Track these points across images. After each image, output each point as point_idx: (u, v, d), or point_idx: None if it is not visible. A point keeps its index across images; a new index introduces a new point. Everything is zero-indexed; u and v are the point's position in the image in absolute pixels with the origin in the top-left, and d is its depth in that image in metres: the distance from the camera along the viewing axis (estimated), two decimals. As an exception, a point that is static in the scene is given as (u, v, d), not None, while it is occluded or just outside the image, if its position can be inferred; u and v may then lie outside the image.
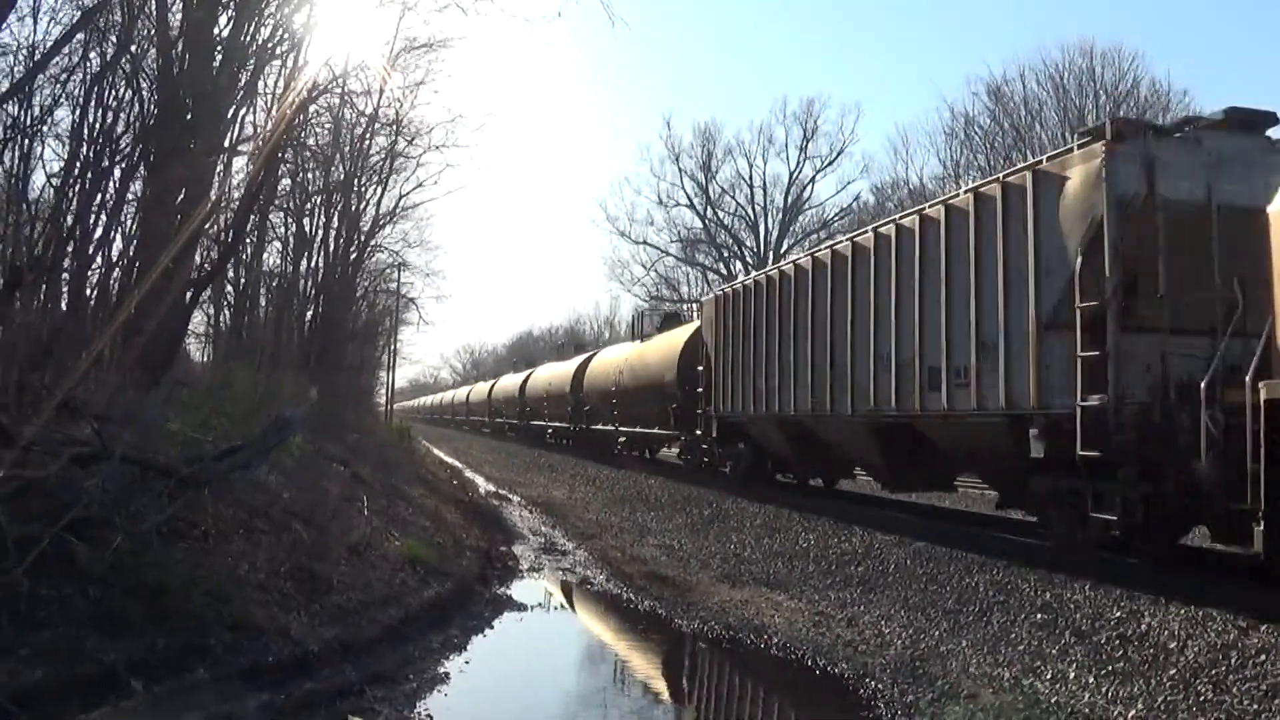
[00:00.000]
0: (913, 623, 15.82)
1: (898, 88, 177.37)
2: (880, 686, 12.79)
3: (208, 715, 10.10)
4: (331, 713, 11.18)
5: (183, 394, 22.30)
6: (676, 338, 43.65)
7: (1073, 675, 12.74)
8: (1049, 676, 12.82)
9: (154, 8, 23.86)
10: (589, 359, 60.98)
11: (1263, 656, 12.26)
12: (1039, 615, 15.30)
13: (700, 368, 37.39)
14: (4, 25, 19.97)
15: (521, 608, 18.16)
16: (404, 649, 14.09)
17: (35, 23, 25.93)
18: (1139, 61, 68.09)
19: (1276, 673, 11.75)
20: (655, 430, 45.60)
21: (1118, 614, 14.71)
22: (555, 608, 19.15)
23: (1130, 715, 11.19)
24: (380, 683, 12.42)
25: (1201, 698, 11.50)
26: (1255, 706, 11.01)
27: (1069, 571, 17.31)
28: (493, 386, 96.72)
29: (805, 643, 15.07)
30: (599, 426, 54.70)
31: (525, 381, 77.94)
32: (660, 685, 14.69)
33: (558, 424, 66.34)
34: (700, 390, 37.09)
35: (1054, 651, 13.73)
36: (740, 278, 45.84)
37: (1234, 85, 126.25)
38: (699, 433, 38.02)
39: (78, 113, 25.52)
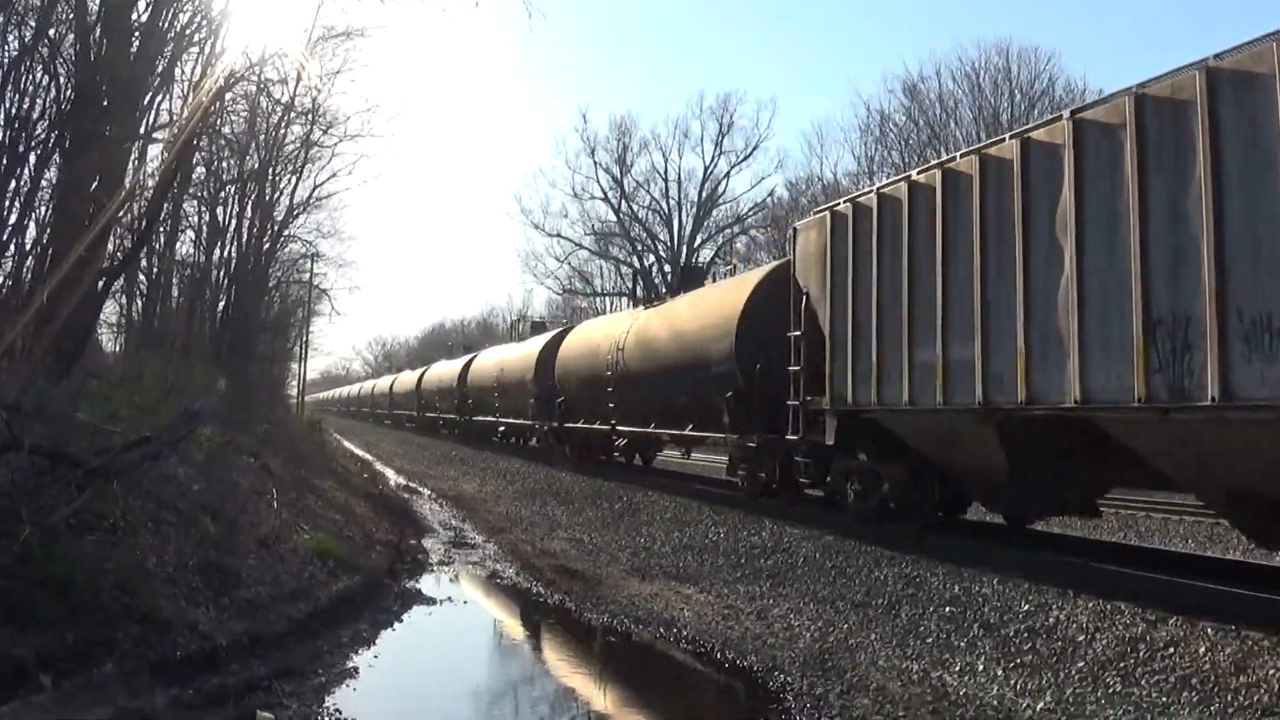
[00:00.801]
0: (821, 615, 15.98)
1: (814, 84, 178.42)
2: (789, 679, 12.91)
3: (117, 710, 10.08)
4: (240, 707, 11.16)
5: (93, 384, 22.14)
6: (736, 291, 29.43)
7: (981, 668, 12.91)
8: (957, 669, 12.98)
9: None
10: (561, 334, 50.41)
11: (1171, 649, 12.42)
12: (948, 608, 15.47)
13: (796, 333, 23.71)
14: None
15: (431, 602, 18.20)
16: (313, 643, 14.08)
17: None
18: (1055, 61, 68.87)
19: (1185, 665, 11.92)
20: (690, 431, 32.11)
21: (1026, 607, 14.86)
22: (465, 602, 19.13)
23: (1039, 708, 11.33)
24: (289, 677, 12.42)
25: (1110, 690, 11.65)
26: (1164, 699, 11.17)
27: (976, 565, 17.48)
28: (422, 375, 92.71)
29: (715, 636, 15.22)
30: (579, 424, 42.51)
31: (466, 369, 69.62)
32: (570, 679, 14.73)
33: (514, 420, 55.51)
34: (797, 368, 23.47)
35: (962, 644, 13.90)
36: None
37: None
38: (788, 435, 23.99)
39: (-10, 96, 25.26)
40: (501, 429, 59.21)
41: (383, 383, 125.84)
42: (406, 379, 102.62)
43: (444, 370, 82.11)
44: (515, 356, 56.42)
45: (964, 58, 72.23)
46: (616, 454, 42.88)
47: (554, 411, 45.52)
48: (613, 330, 40.03)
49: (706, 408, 29.64)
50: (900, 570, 17.95)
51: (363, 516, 26.79)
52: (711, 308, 30.69)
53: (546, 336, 53.05)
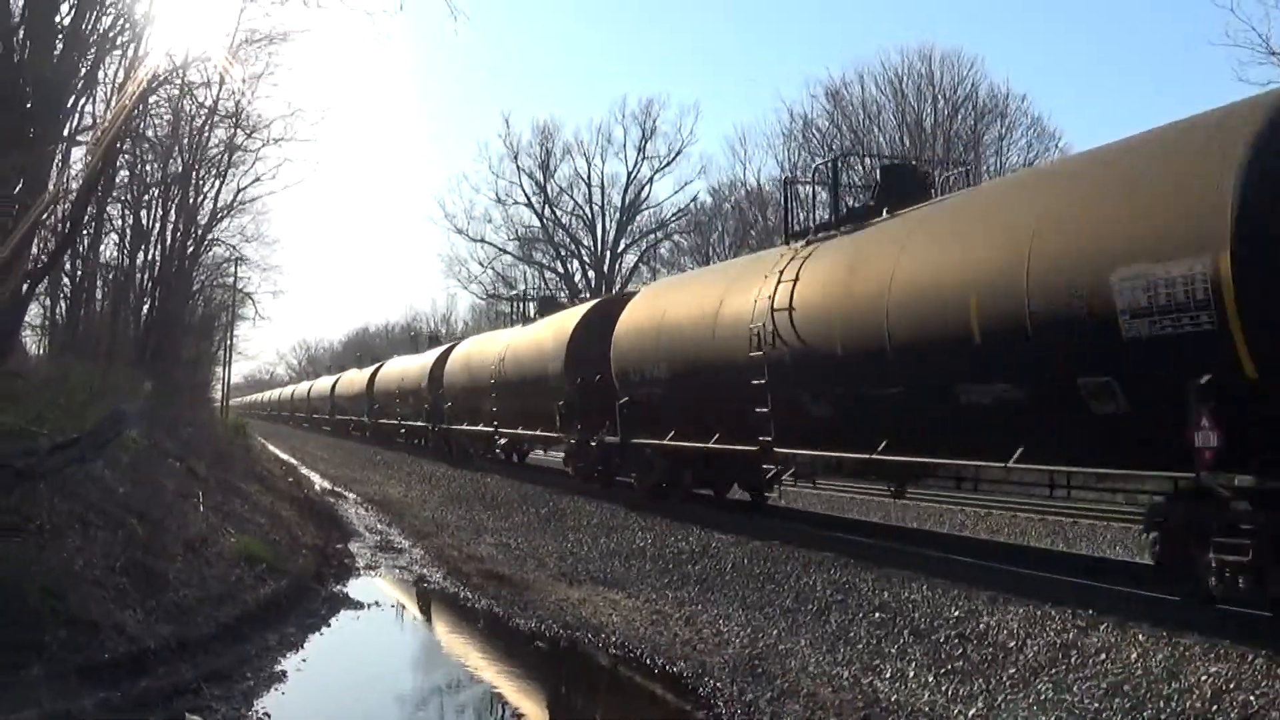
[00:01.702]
0: (751, 621, 15.96)
1: (737, 89, 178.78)
2: (719, 685, 12.97)
3: (44, 712, 10.06)
4: (168, 711, 11.17)
5: (18, 386, 21.99)
6: (567, 321, 37.04)
7: (912, 674, 12.93)
8: (888, 675, 13.00)
9: (-6, -7, 23.52)
10: (450, 349, 57.45)
11: (1103, 655, 12.44)
12: (877, 614, 15.44)
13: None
14: None
15: (358, 606, 18.24)
16: (241, 647, 14.11)
17: None
18: (978, 67, 69.07)
19: (1117, 672, 11.92)
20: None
21: (956, 613, 14.85)
22: (393, 606, 19.19)
23: (970, 714, 11.39)
24: (217, 681, 12.44)
25: (1042, 696, 11.66)
26: (1096, 705, 11.18)
27: (902, 568, 17.56)
28: (336, 382, 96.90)
29: (643, 641, 15.26)
30: (463, 426, 49.70)
31: (374, 377, 75.79)
32: (498, 684, 14.77)
33: (413, 422, 62.24)
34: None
35: (893, 650, 13.89)
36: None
37: (1075, 86, 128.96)
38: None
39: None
40: (403, 430, 65.12)
41: (303, 387, 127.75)
42: (323, 385, 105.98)
43: (355, 377, 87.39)
44: (414, 367, 63.21)
45: (887, 63, 72.23)
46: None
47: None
48: (494, 346, 45.71)
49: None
50: (829, 576, 17.91)
51: (289, 520, 26.70)
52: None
53: (439, 350, 59.62)
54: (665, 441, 26.91)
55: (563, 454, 37.39)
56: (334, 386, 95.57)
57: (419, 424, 59.90)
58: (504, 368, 41.93)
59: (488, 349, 46.83)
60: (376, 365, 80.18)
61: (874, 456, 18.79)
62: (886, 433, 18.50)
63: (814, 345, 20.18)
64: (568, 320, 36.46)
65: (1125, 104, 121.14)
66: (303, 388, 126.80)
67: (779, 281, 21.48)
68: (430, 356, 59.46)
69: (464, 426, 49.35)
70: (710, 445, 24.73)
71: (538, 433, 39.21)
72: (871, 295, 18.49)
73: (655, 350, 27.43)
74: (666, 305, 28.00)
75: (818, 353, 20.08)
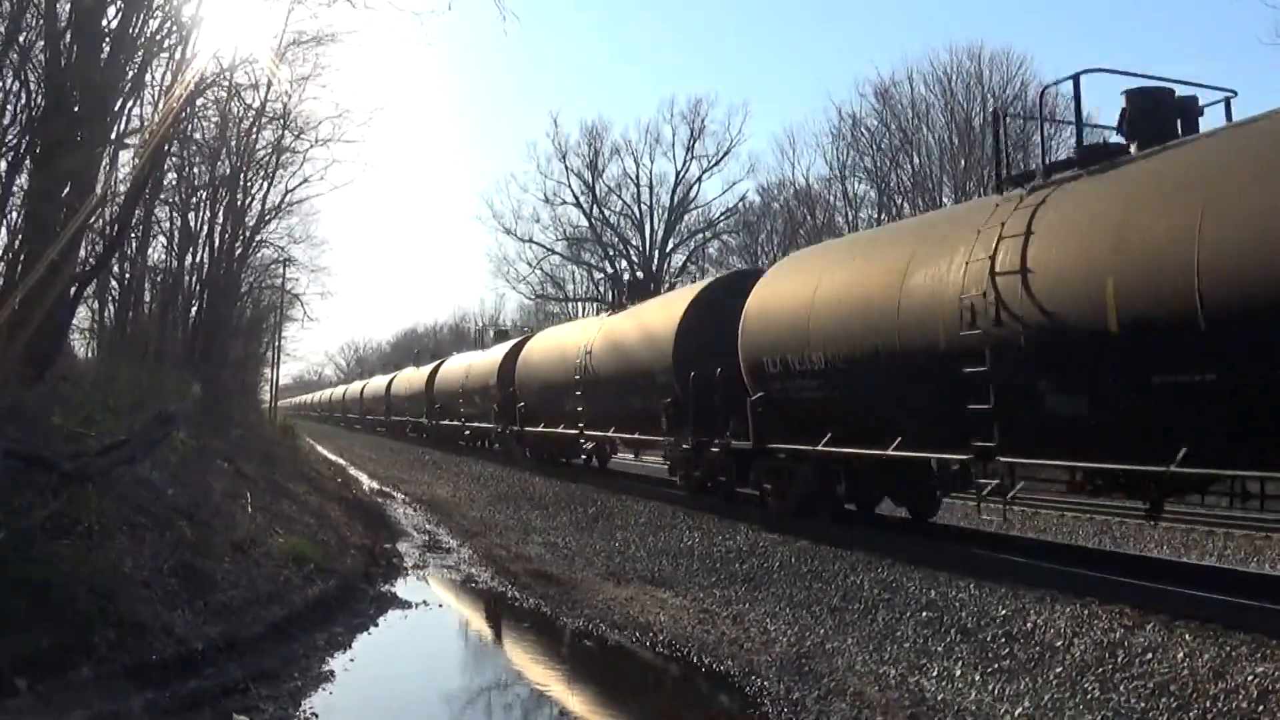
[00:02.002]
0: (798, 620, 15.92)
1: (786, 88, 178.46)
2: (766, 684, 12.92)
3: (93, 714, 10.09)
4: (216, 711, 11.19)
5: (66, 389, 22.10)
6: (672, 307, 31.87)
7: (959, 673, 12.88)
8: (935, 674, 12.95)
9: (42, -1, 23.64)
10: (522, 342, 51.33)
11: (1149, 654, 12.36)
12: (924, 613, 15.37)
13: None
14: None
15: (406, 605, 18.22)
16: (289, 647, 14.11)
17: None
18: (1027, 65, 68.72)
19: (1163, 670, 11.85)
20: (638, 435, 34.29)
21: (1003, 611, 14.78)
22: (440, 605, 19.14)
23: (1017, 713, 11.32)
24: (265, 680, 12.44)
25: (1089, 695, 11.60)
26: (1142, 705, 11.12)
27: (950, 567, 17.48)
28: (391, 381, 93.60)
29: (691, 640, 15.22)
30: (538, 428, 43.74)
31: (434, 375, 70.68)
32: (545, 683, 14.72)
33: (478, 424, 57.10)
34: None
35: (940, 649, 13.84)
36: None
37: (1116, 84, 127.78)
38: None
39: (-39, 103, 25.24)
40: (467, 433, 60.24)
41: (354, 388, 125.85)
42: (376, 384, 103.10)
43: (412, 376, 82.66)
44: (480, 363, 57.66)
45: (935, 61, 72.11)
46: (584, 457, 43.98)
47: (514, 415, 47.39)
48: (578, 337, 39.75)
49: (654, 413, 30.32)
50: (877, 575, 17.82)
51: (337, 521, 26.76)
52: (656, 320, 32.33)
53: (509, 344, 54.14)
54: (821, 447, 21.68)
55: (666, 461, 32.92)
56: (389, 385, 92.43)
57: (486, 425, 54.79)
58: (592, 362, 36.49)
59: (570, 341, 40.69)
60: (437, 362, 75.58)
61: (1173, 470, 13.87)
62: (1186, 437, 13.87)
63: (1065, 318, 15.39)
64: (675, 304, 31.66)
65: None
66: (354, 388, 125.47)
67: (1000, 238, 16.82)
68: (499, 352, 53.95)
69: (541, 429, 43.45)
70: (890, 453, 19.54)
71: (635, 436, 34.24)
72: (1164, 248, 14.02)
73: (805, 334, 22.00)
74: (818, 279, 22.63)
75: (1072, 328, 15.24)
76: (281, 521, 22.45)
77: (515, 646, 16.93)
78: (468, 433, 60.36)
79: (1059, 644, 13.27)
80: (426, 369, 76.06)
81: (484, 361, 56.85)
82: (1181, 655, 12.18)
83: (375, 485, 44.39)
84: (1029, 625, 14.11)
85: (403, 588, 19.97)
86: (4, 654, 10.41)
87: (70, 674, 10.67)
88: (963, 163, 66.27)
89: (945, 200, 49.64)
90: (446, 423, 65.28)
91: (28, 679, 10.26)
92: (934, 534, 21.82)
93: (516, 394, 47.45)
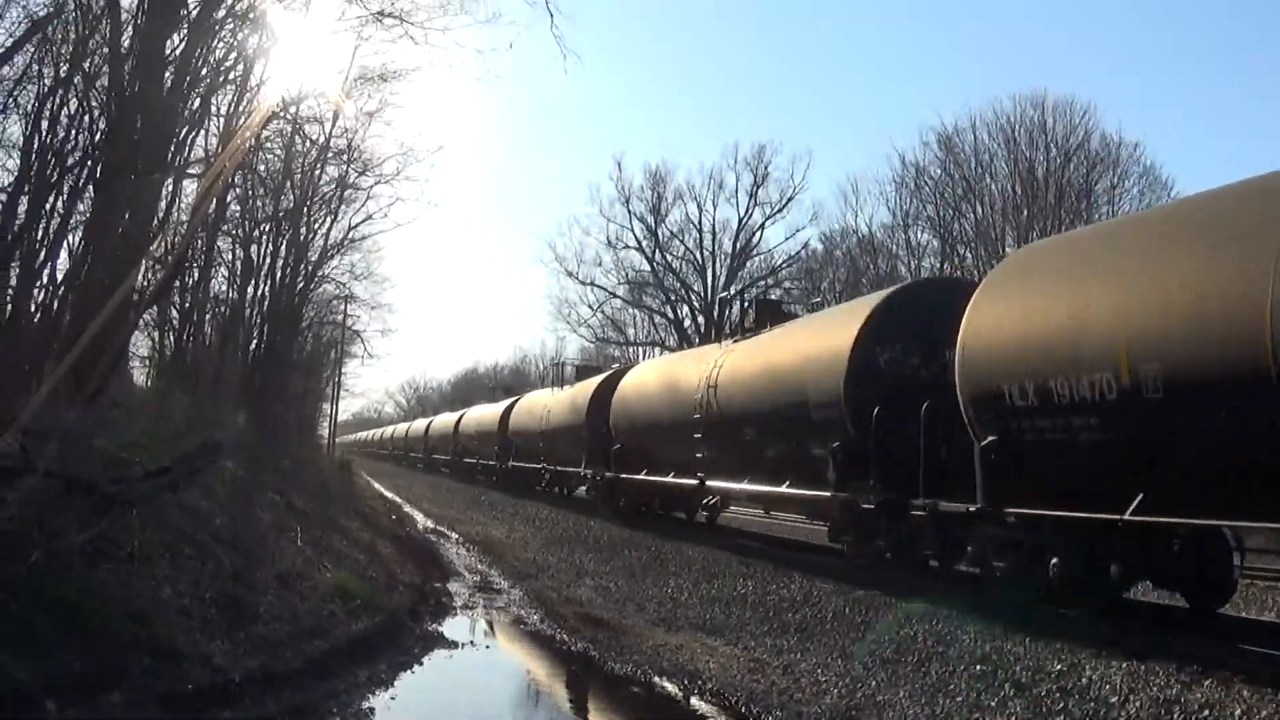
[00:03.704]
0: (850, 671, 15.56)
1: (849, 135, 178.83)
2: (815, 735, 12.63)
3: (122, 740, 9.87)
4: (250, 743, 10.96)
5: (117, 415, 22.01)
6: (848, 320, 24.64)
7: (1010, 729, 12.50)
8: (988, 729, 12.59)
9: (107, 25, 23.65)
10: (616, 376, 46.09)
11: (1206, 712, 12.11)
12: (978, 666, 15.07)
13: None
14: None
15: (452, 645, 17.96)
16: (329, 682, 13.89)
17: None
18: (1090, 115, 68.31)
19: (1219, 729, 11.49)
20: (786, 489, 26.87)
21: (1059, 666, 14.52)
22: (487, 646, 18.89)
23: (1069, 770, 11.04)
24: (302, 715, 12.29)
25: (1143, 753, 11.26)
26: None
27: (1006, 620, 17.10)
28: (460, 419, 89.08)
29: (739, 689, 14.89)
30: (638, 476, 37.98)
31: (508, 413, 65.90)
32: (589, 728, 14.46)
33: (560, 467, 51.80)
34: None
35: (993, 703, 13.53)
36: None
37: (1185, 136, 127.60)
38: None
39: (28, 126, 25.31)
40: (547, 477, 54.64)
41: (417, 425, 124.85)
42: (443, 421, 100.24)
43: (483, 414, 78.66)
44: (562, 400, 52.06)
45: (999, 110, 71.75)
46: (704, 511, 37.51)
47: (608, 460, 41.41)
48: (694, 368, 33.61)
49: (803, 459, 25.20)
50: (930, 627, 17.50)
51: (388, 557, 26.60)
52: (816, 338, 25.92)
53: (599, 378, 48.34)
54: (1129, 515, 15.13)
55: (826, 523, 25.99)
56: (458, 424, 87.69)
57: (570, 469, 49.06)
58: (717, 397, 29.83)
59: (686, 373, 34.00)
60: (513, 399, 70.34)
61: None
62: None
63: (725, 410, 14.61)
64: (848, 319, 24.42)
65: (1237, 149, 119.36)
66: (417, 425, 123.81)
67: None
68: (587, 387, 47.66)
69: (644, 476, 37.24)
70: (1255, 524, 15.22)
71: (785, 490, 26.68)
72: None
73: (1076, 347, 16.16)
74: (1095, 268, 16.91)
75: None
76: (331, 556, 22.30)
77: (561, 690, 16.71)
78: (547, 477, 54.77)
79: (1114, 700, 13.00)
80: (501, 405, 71.30)
81: (567, 398, 51.25)
82: (1239, 713, 11.96)
83: (430, 524, 44.22)
84: (1084, 680, 13.83)
85: (450, 627, 19.71)
86: (34, 675, 10.19)
87: (101, 699, 10.47)
88: (1025, 213, 66.00)
89: (1008, 249, 48.92)
90: (522, 465, 60.25)
91: (57, 702, 10.04)
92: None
93: (611, 435, 41.30)
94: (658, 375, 38.96)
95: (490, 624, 21.04)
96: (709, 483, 32.03)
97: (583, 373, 59.54)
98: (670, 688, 15.40)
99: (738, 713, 14.00)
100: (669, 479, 35.07)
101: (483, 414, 78.87)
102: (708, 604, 21.66)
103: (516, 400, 68.13)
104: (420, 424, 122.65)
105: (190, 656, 12.19)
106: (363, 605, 18.01)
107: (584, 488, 49.38)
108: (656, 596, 22.90)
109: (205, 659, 12.37)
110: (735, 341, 32.33)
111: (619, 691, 15.71)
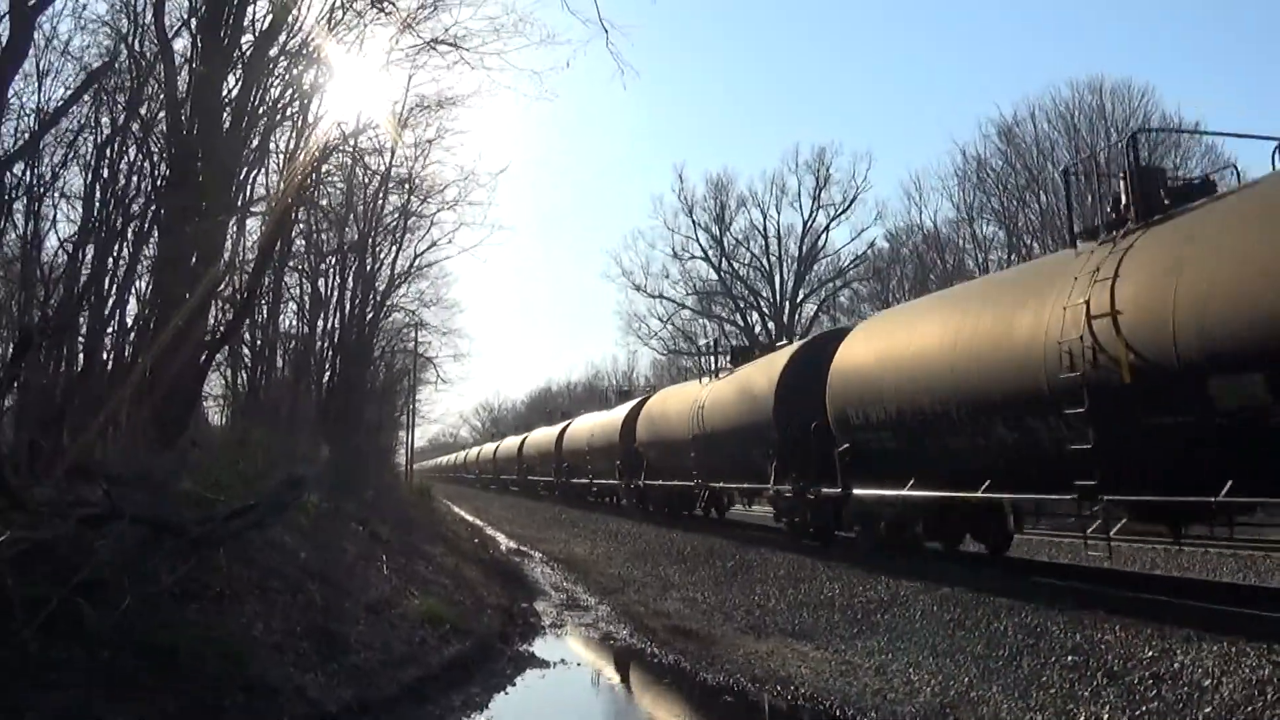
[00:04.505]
0: (941, 669, 15.47)
1: (909, 132, 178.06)
2: (911, 734, 12.56)
3: (220, 778, 9.91)
4: (349, 773, 10.99)
5: (196, 455, 22.17)
6: (771, 367, 33.58)
7: (1106, 717, 12.52)
8: (1082, 719, 12.59)
9: (162, 70, 23.86)
10: (641, 402, 53.51)
11: (1300, 691, 11.91)
12: (1070, 657, 14.96)
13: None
14: (9, 85, 19.89)
15: (544, 665, 17.97)
16: (424, 708, 13.98)
17: (40, 85, 25.78)
18: (1149, 96, 67.78)
19: (1314, 707, 11.38)
20: (747, 484, 36.09)
21: (1150, 653, 14.40)
22: (578, 664, 18.87)
23: (1166, 756, 10.93)
24: (399, 742, 12.25)
25: (1238, 735, 11.10)
26: (1293, 743, 10.67)
27: (1094, 609, 17.03)
28: (524, 441, 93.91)
29: (833, 693, 14.86)
30: (659, 482, 46.54)
31: (562, 435, 71.87)
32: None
33: (604, 480, 58.54)
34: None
35: (1086, 694, 13.44)
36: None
37: (1245, 108, 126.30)
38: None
39: (89, 175, 25.60)
40: (595, 489, 62.30)
41: (488, 448, 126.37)
42: (509, 444, 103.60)
43: (542, 436, 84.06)
44: (604, 422, 59.32)
45: (1057, 98, 71.25)
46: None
47: (637, 471, 49.68)
48: (693, 394, 41.85)
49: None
50: (1020, 620, 17.42)
51: (473, 580, 26.63)
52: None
53: (631, 403, 55.87)
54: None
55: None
56: (521, 446, 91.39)
57: (611, 481, 56.46)
58: (704, 418, 38.54)
59: (685, 399, 43.18)
60: (566, 422, 75.78)
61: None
62: (725, 474, 26.39)
63: (709, 429, 26.60)
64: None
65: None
66: (488, 449, 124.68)
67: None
68: (621, 411, 55.78)
69: (660, 482, 46.42)
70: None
71: (745, 485, 36.65)
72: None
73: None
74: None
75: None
76: (417, 583, 22.34)
77: (654, 703, 16.63)
78: (595, 489, 62.26)
79: (1207, 684, 12.90)
80: (556, 428, 77.57)
81: (607, 420, 58.44)
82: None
83: (512, 544, 44.29)
84: (1176, 666, 13.73)
85: (540, 647, 19.72)
86: (131, 718, 10.25)
87: (198, 738, 10.51)
88: (1090, 198, 65.62)
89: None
90: (575, 480, 66.47)
91: (155, 745, 10.11)
92: (1073, 575, 21.26)
93: (639, 450, 49.39)
94: (668, 401, 47.12)
95: (580, 641, 21.03)
96: (702, 483, 40.56)
97: (622, 397, 68.78)
98: (764, 695, 15.36)
99: (832, 716, 13.94)
100: (676, 483, 43.98)
101: (541, 437, 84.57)
102: (795, 609, 21.58)
103: (569, 423, 73.93)
104: (490, 447, 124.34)
105: (284, 691, 12.25)
106: (452, 630, 18.06)
107: (623, 498, 55.43)
108: (744, 604, 22.83)
109: (299, 692, 12.42)
110: (718, 376, 41.23)
111: (713, 702, 15.65)
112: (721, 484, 38.70)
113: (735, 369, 39.47)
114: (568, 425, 73.53)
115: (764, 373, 33.68)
